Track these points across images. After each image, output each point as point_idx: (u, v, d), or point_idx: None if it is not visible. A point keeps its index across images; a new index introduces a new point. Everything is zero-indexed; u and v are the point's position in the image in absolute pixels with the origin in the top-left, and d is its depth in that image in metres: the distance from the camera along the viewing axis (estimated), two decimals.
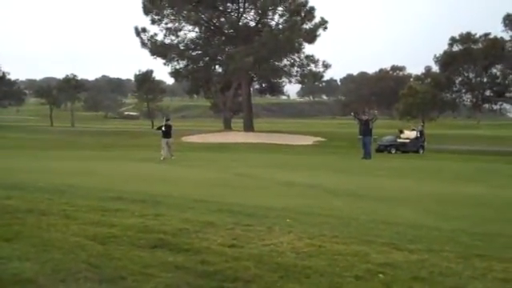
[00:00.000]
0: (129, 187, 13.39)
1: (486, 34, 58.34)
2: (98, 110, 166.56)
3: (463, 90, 73.40)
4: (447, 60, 62.93)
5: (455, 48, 64.36)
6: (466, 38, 61.49)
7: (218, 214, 8.95)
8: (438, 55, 69.07)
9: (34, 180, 14.33)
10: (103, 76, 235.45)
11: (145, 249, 6.20)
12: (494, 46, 58.93)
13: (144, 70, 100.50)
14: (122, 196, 10.93)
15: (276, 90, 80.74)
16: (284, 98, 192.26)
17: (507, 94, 58.11)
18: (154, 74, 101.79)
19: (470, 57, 61.45)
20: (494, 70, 63.88)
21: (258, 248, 6.30)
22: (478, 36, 59.78)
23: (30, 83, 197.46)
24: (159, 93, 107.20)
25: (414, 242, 6.83)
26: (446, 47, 67.84)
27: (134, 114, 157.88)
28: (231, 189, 14.27)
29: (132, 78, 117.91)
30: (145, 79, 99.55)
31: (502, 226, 8.91)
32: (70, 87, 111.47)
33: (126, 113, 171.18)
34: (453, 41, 60.92)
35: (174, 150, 29.36)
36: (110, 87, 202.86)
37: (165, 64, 71.69)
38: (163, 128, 29.54)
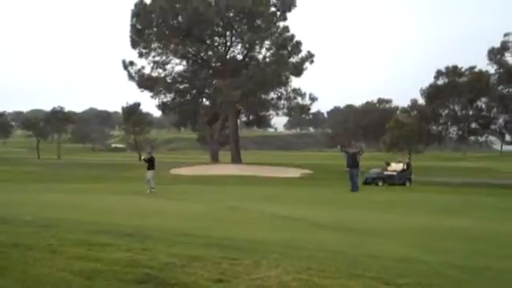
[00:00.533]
0: (116, 221, 13.31)
1: (472, 68, 59.00)
2: (85, 143, 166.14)
3: (449, 123, 73.90)
4: (433, 93, 63.44)
5: (441, 81, 64.95)
6: (452, 72, 62.11)
7: (205, 247, 8.90)
8: (424, 88, 69.65)
9: (20, 213, 14.23)
10: (91, 108, 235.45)
11: (131, 284, 6.15)
12: (478, 79, 59.54)
13: (131, 102, 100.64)
14: (109, 230, 10.87)
15: (263, 122, 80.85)
16: (271, 130, 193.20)
17: (492, 127, 58.60)
18: (141, 107, 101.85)
19: (455, 90, 62.03)
20: (480, 103, 64.47)
21: (245, 283, 6.26)
22: (463, 69, 60.42)
23: (17, 115, 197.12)
24: (146, 125, 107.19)
25: (402, 276, 6.81)
26: (431, 80, 68.55)
27: (121, 146, 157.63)
28: (219, 222, 14.23)
29: (119, 111, 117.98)
30: (132, 111, 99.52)
31: (489, 259, 8.92)
32: (57, 119, 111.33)
33: (113, 145, 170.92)
34: (438, 74, 61.53)
35: (153, 183, 28.99)
36: (97, 119, 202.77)
37: (152, 97, 71.89)
38: (145, 160, 29.70)
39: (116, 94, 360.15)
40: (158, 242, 9.43)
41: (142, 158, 30.82)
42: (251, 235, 11.10)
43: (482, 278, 7.07)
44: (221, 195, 25.54)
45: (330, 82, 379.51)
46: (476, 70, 62.05)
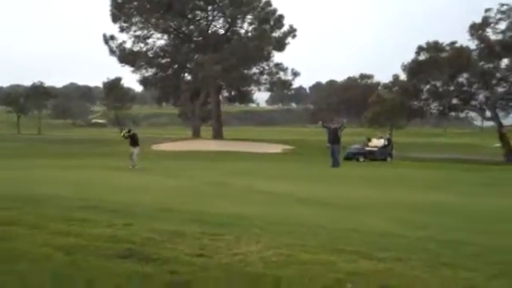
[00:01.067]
0: (97, 196, 13.28)
1: (453, 43, 58.98)
2: (66, 118, 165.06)
3: (430, 99, 74.16)
4: (414, 68, 63.43)
5: (422, 56, 64.97)
6: (433, 47, 62.06)
7: (186, 223, 8.92)
8: (405, 63, 69.73)
9: (1, 189, 14.15)
10: (71, 83, 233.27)
11: (113, 259, 6.15)
12: (459, 55, 59.62)
13: (112, 77, 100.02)
14: (90, 205, 10.85)
15: (245, 98, 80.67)
16: (253, 106, 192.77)
17: (473, 102, 58.88)
18: (122, 82, 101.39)
19: (436, 65, 62.10)
20: (461, 79, 64.67)
21: (226, 258, 6.29)
22: (444, 45, 60.42)
23: None
24: (128, 101, 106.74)
25: (382, 251, 6.87)
26: (413, 56, 68.58)
27: (102, 121, 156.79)
28: (200, 197, 14.25)
29: (100, 86, 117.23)
30: (113, 87, 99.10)
31: (469, 234, 9.02)
32: (38, 95, 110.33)
33: (94, 120, 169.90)
34: (420, 49, 61.45)
35: (137, 160, 28.77)
36: (78, 95, 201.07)
37: (133, 72, 71.51)
38: (125, 136, 29.51)
39: (97, 68, 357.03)
40: (139, 217, 9.44)
41: (122, 134, 30.58)
42: (232, 210, 11.14)
43: (462, 253, 7.16)
44: (203, 171, 25.58)
45: (313, 58, 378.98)
46: (457, 45, 62.21)
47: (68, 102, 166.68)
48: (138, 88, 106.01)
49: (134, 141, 29.02)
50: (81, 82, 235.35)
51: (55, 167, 26.87)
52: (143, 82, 73.71)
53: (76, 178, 19.90)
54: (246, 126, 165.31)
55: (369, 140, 43.87)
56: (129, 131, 30.14)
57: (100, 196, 13.34)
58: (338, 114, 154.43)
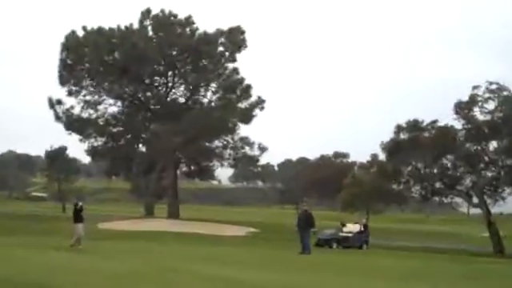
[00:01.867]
0: (32, 279, 13.14)
1: (433, 122, 59.80)
2: (2, 189, 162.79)
3: (411, 181, 74.77)
4: (393, 148, 64.41)
5: (402, 136, 65.90)
6: (413, 126, 63.07)
7: None
8: (384, 142, 70.58)
9: None
10: (9, 151, 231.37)
11: None
12: (444, 135, 60.58)
13: (57, 146, 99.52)
14: None
15: (206, 173, 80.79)
16: (215, 183, 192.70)
17: (458, 187, 59.49)
18: (67, 151, 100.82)
19: (417, 145, 63.02)
20: (445, 161, 65.54)
21: None
22: (425, 124, 61.31)
23: None
24: (73, 172, 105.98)
25: None
26: (392, 134, 69.48)
27: (42, 195, 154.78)
28: (150, 285, 14.15)
29: (42, 155, 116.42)
30: (57, 156, 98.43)
31: None
32: None
33: (33, 193, 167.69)
34: (399, 129, 62.37)
35: (81, 238, 28.35)
36: (16, 164, 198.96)
37: (81, 140, 71.40)
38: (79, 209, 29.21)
39: (39, 135, 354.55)
40: None
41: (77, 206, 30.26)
42: None
43: None
44: (155, 254, 25.39)
45: (282, 132, 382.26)
46: (440, 124, 63.33)
47: (5, 172, 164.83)
48: (86, 159, 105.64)
49: (79, 215, 28.69)
50: (20, 150, 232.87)
51: None
52: (91, 152, 73.54)
53: (8, 257, 19.62)
54: (206, 204, 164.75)
55: (343, 225, 44.14)
56: (76, 205, 29.88)
57: (35, 279, 13.19)
58: (309, 195, 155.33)
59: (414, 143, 59.99)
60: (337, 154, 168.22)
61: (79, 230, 28.19)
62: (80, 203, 29.96)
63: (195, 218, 72.25)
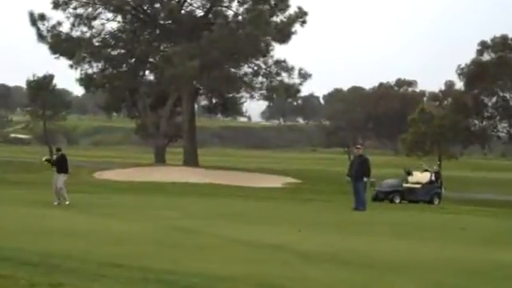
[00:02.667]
0: (15, 243, 13.26)
1: None
2: None
3: (498, 117, 74.02)
4: (475, 73, 63.53)
5: (486, 57, 64.93)
6: (501, 44, 62.10)
7: (141, 285, 8.92)
8: (462, 66, 69.59)
9: None
10: None
11: None
12: None
13: (41, 74, 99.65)
14: (5, 256, 10.83)
15: (231, 108, 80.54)
16: (243, 120, 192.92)
17: None
18: (54, 82, 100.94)
19: (507, 69, 61.98)
20: None
21: None
22: None
23: None
24: (62, 107, 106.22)
25: None
26: (473, 55, 68.28)
27: (25, 137, 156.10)
28: (162, 249, 14.23)
29: (23, 86, 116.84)
30: (42, 87, 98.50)
31: None
32: None
33: (13, 135, 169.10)
34: (483, 46, 61.46)
35: (66, 192, 28.40)
36: None
37: (72, 66, 71.30)
38: (53, 161, 29.19)
39: (19, 61, 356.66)
40: (72, 274, 9.43)
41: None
42: (207, 269, 11.13)
43: None
44: (167, 211, 25.52)
45: (330, 54, 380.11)
46: None
47: None
48: (78, 90, 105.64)
49: (61, 165, 28.72)
50: None
51: None
52: (85, 81, 73.50)
53: None
54: (231, 148, 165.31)
55: (408, 173, 43.86)
56: (58, 150, 29.89)
57: (18, 243, 13.31)
58: (364, 136, 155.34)
59: (502, 66, 59.24)
60: (400, 82, 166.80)
61: (60, 182, 28.23)
62: (57, 148, 30.17)
63: (218, 165, 72.50)
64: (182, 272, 10.45)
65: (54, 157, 29.75)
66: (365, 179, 30.59)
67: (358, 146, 33.97)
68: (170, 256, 12.92)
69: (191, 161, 70.24)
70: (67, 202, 27.17)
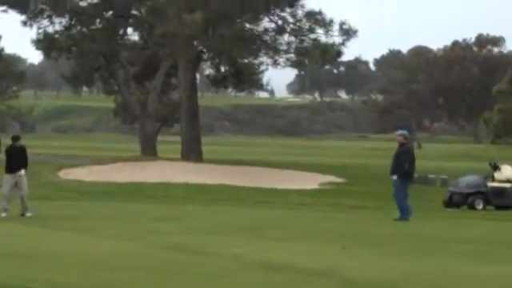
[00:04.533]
0: None
1: None
2: None
3: None
4: None
5: None
6: None
7: None
8: None
9: None
10: None
11: None
12: None
13: None
14: None
15: (247, 79, 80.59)
16: (263, 95, 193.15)
17: None
18: (1, 44, 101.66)
19: None
20: None
21: None
22: None
23: None
24: (13, 81, 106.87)
25: None
26: None
27: None
28: (156, 277, 14.30)
29: None
30: None
31: None
32: None
33: None
34: None
35: (27, 198, 28.52)
36: None
37: (25, 24, 71.60)
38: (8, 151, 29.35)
39: None
40: None
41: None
42: None
43: None
44: (161, 224, 25.65)
45: (381, 3, 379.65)
46: None
47: None
48: (34, 56, 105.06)
49: (19, 159, 28.88)
50: None
51: None
52: (44, 43, 73.80)
53: None
54: (247, 134, 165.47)
55: (495, 168, 43.84)
56: (16, 137, 29.97)
57: None
58: (431, 115, 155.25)
59: None
60: (482, 40, 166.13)
61: (6, 186, 28.39)
62: (14, 136, 30.26)
63: (229, 159, 72.68)
64: None
65: (7, 146, 29.81)
66: (406, 179, 30.37)
67: (400, 133, 33.33)
68: (166, 285, 13.00)
69: (192, 153, 70.38)
70: (28, 214, 27.32)
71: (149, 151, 72.66)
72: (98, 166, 62.06)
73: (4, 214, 27.35)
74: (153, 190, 45.91)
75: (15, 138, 29.67)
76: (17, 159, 28.75)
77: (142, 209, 32.85)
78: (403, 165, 29.78)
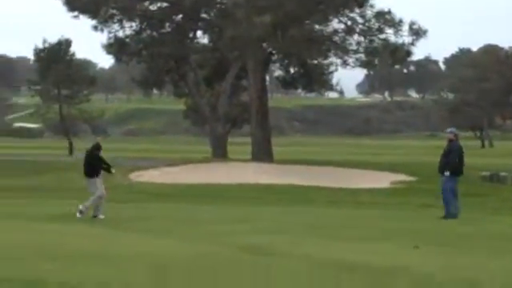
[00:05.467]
0: (33, 272, 13.39)
1: None
2: None
3: None
4: None
5: None
6: None
7: None
8: None
9: None
10: None
11: None
12: None
13: (54, 39, 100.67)
14: None
15: (316, 79, 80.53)
16: (333, 96, 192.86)
17: None
18: (72, 49, 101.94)
19: None
20: None
21: None
22: None
23: None
24: (84, 85, 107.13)
25: None
26: None
27: (34, 126, 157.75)
28: (222, 276, 14.23)
29: (30, 56, 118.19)
30: (55, 58, 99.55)
31: None
32: None
33: (19, 124, 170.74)
34: None
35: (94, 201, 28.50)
36: None
37: (96, 28, 71.98)
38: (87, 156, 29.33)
39: (24, 25, 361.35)
40: None
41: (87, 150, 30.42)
42: None
43: None
44: (230, 225, 25.58)
45: (451, 2, 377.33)
46: None
47: None
48: (105, 61, 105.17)
49: (95, 165, 28.93)
50: None
51: None
52: (115, 48, 74.14)
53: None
54: (317, 134, 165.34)
55: None
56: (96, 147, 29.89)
57: (37, 272, 13.43)
58: (505, 114, 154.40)
59: None
60: None
61: (98, 188, 28.42)
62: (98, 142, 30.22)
63: (299, 159, 72.54)
64: None
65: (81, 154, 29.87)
66: (453, 176, 30.18)
67: (450, 131, 33.16)
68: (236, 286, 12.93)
69: (263, 154, 70.35)
70: (101, 217, 27.40)
71: (219, 152, 72.76)
72: (169, 168, 62.26)
73: (79, 215, 27.47)
74: (223, 191, 45.91)
75: (95, 147, 29.62)
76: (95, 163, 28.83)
77: (213, 210, 32.87)
78: (453, 161, 29.83)
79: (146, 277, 13.84)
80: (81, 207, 27.93)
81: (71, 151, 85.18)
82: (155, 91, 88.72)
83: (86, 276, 13.45)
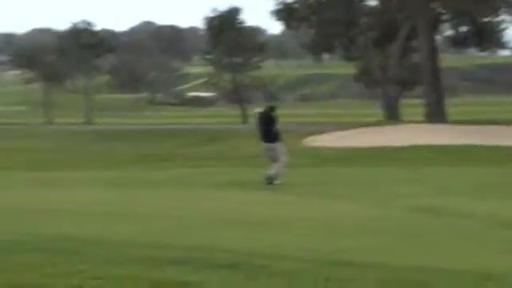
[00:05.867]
0: (216, 239, 13.53)
1: None
2: (138, 90, 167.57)
3: None
4: None
5: None
6: None
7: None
8: None
9: (20, 229, 14.70)
10: (143, 22, 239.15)
11: None
12: None
13: (223, 7, 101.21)
14: (183, 258, 10.93)
15: (488, 38, 79.32)
16: (505, 54, 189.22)
17: None
18: (242, 17, 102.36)
19: None
20: None
21: None
22: None
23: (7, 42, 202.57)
24: (255, 52, 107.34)
25: None
26: None
27: (208, 95, 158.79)
28: (402, 239, 14.13)
29: (200, 27, 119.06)
30: (225, 27, 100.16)
31: None
32: (80, 46, 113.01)
33: (193, 94, 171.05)
34: None
35: (283, 167, 28.33)
36: (157, 44, 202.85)
37: None
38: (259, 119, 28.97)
39: None
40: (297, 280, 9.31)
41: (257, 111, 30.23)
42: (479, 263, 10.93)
43: None
44: (405, 186, 25.39)
45: None
46: None
47: (139, 58, 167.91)
48: (275, 27, 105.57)
49: (271, 130, 28.62)
50: (159, 21, 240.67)
51: (123, 184, 27.66)
52: (284, 13, 74.22)
53: (164, 206, 20.37)
54: (491, 93, 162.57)
55: None
56: (271, 108, 29.33)
57: (207, 238, 13.55)
58: None
59: None
60: None
61: (281, 154, 28.25)
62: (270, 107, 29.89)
63: (473, 119, 71.60)
64: (436, 269, 10.29)
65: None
66: None
67: None
68: (417, 247, 12.83)
69: (436, 115, 69.37)
70: (277, 182, 27.19)
71: (392, 115, 72.30)
72: (342, 132, 62.09)
73: (279, 182, 27.40)
74: (397, 153, 45.61)
75: (270, 109, 29.21)
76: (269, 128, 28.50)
77: (387, 172, 32.67)
78: None
79: (326, 239, 13.85)
80: (271, 173, 27.82)
81: (245, 119, 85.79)
82: (325, 56, 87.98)
83: (262, 242, 13.52)
